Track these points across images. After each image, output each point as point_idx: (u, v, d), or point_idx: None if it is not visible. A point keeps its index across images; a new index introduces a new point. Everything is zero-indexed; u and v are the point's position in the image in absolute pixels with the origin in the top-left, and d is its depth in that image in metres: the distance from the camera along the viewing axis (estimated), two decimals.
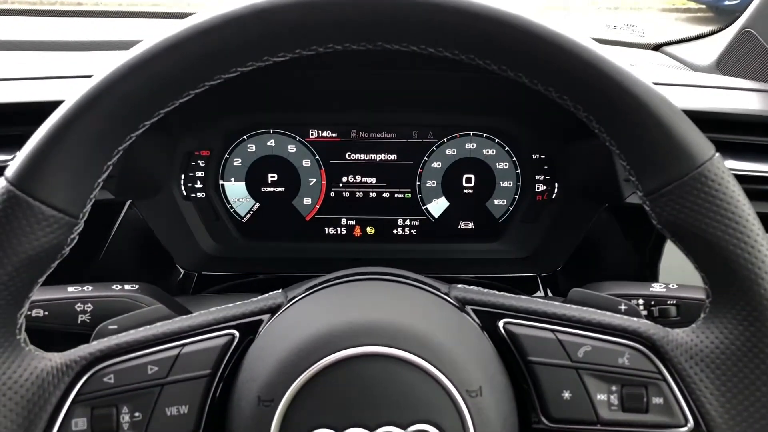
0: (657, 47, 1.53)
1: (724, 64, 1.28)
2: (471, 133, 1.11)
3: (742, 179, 0.52)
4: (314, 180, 1.12)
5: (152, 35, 0.48)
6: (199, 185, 1.10)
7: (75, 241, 0.50)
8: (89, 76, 0.49)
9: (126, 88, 0.48)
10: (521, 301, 0.58)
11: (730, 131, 0.90)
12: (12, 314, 0.49)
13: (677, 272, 1.03)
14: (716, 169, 0.49)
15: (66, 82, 0.92)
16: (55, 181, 0.48)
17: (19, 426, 0.49)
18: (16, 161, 0.48)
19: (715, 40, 1.37)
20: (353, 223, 1.15)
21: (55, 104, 0.49)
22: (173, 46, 0.47)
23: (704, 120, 0.54)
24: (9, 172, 0.48)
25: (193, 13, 0.48)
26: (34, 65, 1.06)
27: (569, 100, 0.50)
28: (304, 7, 0.47)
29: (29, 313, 0.51)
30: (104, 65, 0.48)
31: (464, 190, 1.14)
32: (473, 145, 1.12)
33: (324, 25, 0.48)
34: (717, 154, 0.50)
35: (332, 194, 1.13)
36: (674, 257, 1.07)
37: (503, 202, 1.14)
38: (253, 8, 0.47)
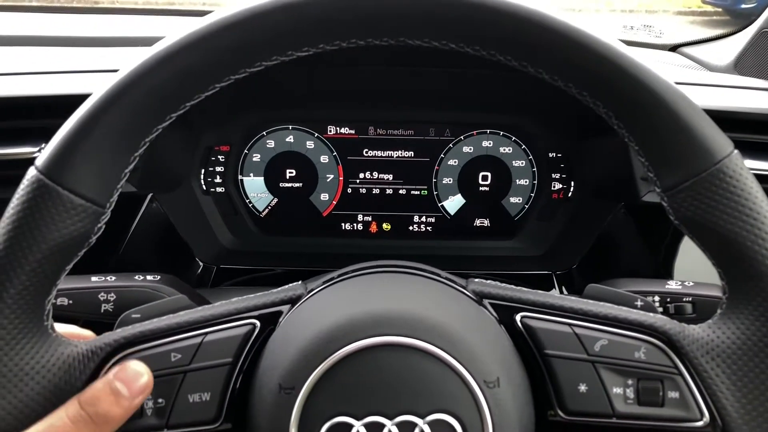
0: (674, 48, 1.53)
1: (742, 65, 1.28)
2: (488, 130, 1.12)
3: (759, 178, 0.52)
4: (332, 176, 1.13)
5: (176, 30, 0.49)
6: (218, 180, 1.11)
7: (102, 230, 0.51)
8: (111, 71, 0.50)
9: (153, 81, 0.49)
10: (538, 295, 0.58)
11: (748, 130, 0.90)
12: (40, 301, 0.50)
13: (692, 271, 1.03)
14: (735, 166, 0.49)
15: (89, 76, 0.94)
16: (83, 171, 0.49)
17: (46, 410, 0.50)
18: (45, 151, 0.49)
19: (732, 42, 1.37)
20: (370, 219, 1.16)
21: (80, 97, 0.50)
22: (200, 39, 0.48)
23: (722, 119, 0.54)
24: (39, 161, 0.49)
25: (208, 11, 0.49)
26: (57, 60, 1.07)
27: (589, 96, 0.51)
28: (327, 2, 0.48)
29: (54, 301, 0.52)
30: (130, 59, 0.49)
31: (480, 188, 1.14)
32: (490, 143, 1.12)
33: (347, 20, 0.49)
34: (735, 151, 0.50)
35: (349, 190, 1.14)
36: (689, 256, 1.07)
37: (519, 200, 1.14)
38: (279, 3, 0.48)
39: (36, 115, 0.86)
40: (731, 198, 0.49)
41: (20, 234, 0.48)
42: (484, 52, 0.50)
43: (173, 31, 0.49)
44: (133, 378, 0.51)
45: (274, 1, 0.48)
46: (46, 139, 0.50)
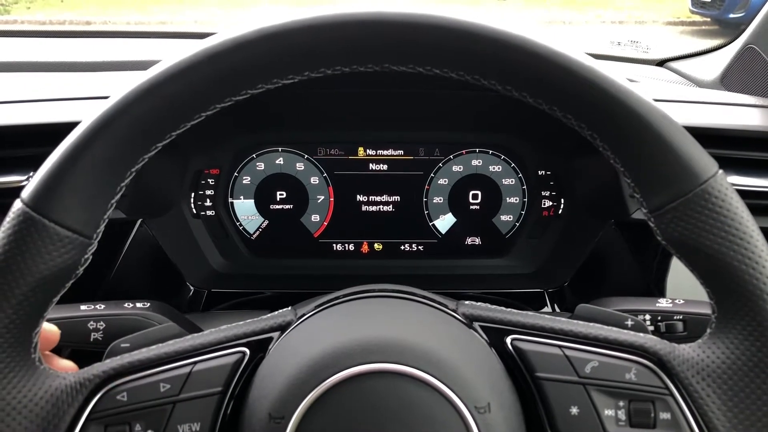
0: (661, 63, 1.54)
1: (728, 80, 1.29)
2: (477, 149, 1.12)
3: (745, 194, 0.52)
4: (322, 197, 1.13)
5: (166, 58, 0.49)
6: (208, 203, 1.11)
7: (89, 261, 0.51)
8: (102, 98, 0.50)
9: (139, 112, 0.49)
10: (528, 317, 0.58)
11: (734, 147, 0.91)
12: (27, 333, 0.50)
13: (685, 287, 1.03)
14: (720, 186, 0.50)
15: (78, 103, 0.93)
16: (69, 203, 0.48)
17: None
18: (31, 183, 0.49)
19: (719, 56, 1.38)
20: (361, 240, 1.16)
21: (69, 126, 0.50)
22: (185, 70, 0.48)
23: (708, 136, 0.55)
24: (25, 193, 0.49)
25: (202, 32, 0.49)
26: (46, 87, 1.07)
27: (573, 119, 0.51)
28: (311, 31, 0.48)
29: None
30: (117, 88, 0.50)
31: (471, 207, 1.14)
32: (479, 162, 1.12)
33: (331, 48, 0.49)
34: (720, 171, 0.50)
35: (340, 211, 1.14)
36: (682, 272, 1.07)
37: (510, 218, 1.15)
38: (263, 32, 0.48)
39: (25, 143, 0.85)
40: (717, 218, 0.49)
41: (5, 267, 0.47)
42: (468, 76, 0.50)
43: (165, 56, 0.49)
44: None
45: (258, 31, 0.48)
46: (35, 167, 0.50)
